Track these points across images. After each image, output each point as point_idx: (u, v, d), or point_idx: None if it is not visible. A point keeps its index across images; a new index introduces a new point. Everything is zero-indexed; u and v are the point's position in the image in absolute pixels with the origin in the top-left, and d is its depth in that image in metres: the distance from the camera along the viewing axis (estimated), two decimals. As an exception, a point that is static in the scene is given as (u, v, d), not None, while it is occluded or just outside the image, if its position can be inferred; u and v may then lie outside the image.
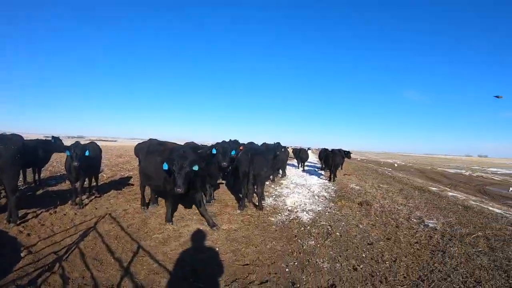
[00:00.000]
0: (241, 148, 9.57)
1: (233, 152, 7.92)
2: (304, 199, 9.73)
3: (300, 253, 5.17)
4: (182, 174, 5.42)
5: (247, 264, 4.73)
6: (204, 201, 7.94)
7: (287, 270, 4.57)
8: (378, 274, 4.47)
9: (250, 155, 7.55)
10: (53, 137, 9.80)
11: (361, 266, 4.71)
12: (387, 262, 4.86)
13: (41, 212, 6.79)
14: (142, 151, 7.50)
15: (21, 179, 9.37)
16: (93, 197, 8.59)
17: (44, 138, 9.99)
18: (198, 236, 5.90)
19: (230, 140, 11.70)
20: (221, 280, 4.30)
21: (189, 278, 4.30)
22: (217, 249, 5.31)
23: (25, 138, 7.15)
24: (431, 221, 7.37)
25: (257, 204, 8.00)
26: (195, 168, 5.64)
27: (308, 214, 7.69)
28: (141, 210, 7.41)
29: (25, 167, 9.01)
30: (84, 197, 8.13)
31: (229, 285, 4.16)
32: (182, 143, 8.40)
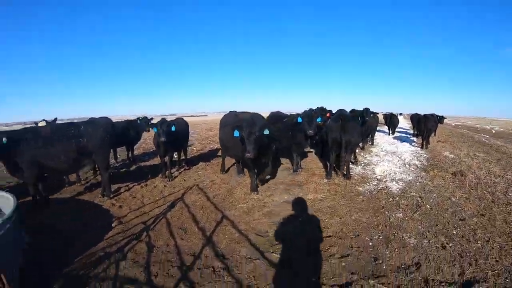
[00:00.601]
0: (328, 115, 9.82)
1: (319, 120, 8.10)
2: (394, 167, 9.85)
3: (386, 226, 5.30)
4: (251, 140, 6.01)
5: (330, 236, 4.99)
6: (292, 170, 8.59)
7: (370, 244, 4.72)
8: (467, 255, 4.35)
9: (341, 122, 7.90)
10: (138, 118, 11.30)
11: (450, 245, 4.64)
12: (479, 242, 4.69)
13: (133, 186, 8.04)
14: (220, 123, 8.42)
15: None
16: (182, 169, 9.77)
17: (133, 119, 11.66)
18: (282, 207, 6.30)
19: (316, 108, 11.92)
20: (301, 251, 4.52)
21: (269, 249, 4.64)
22: (300, 219, 5.64)
23: (120, 120, 8.47)
24: (532, 197, 6.81)
25: (345, 173, 8.41)
26: (266, 132, 6.17)
27: (398, 184, 7.86)
28: (226, 179, 8.26)
29: (116, 146, 10.76)
30: (173, 170, 9.36)
31: (308, 257, 4.38)
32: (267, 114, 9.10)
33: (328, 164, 8.53)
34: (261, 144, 6.24)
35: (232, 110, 9.04)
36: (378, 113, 18.81)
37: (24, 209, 5.99)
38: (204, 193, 7.24)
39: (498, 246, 4.51)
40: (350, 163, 9.26)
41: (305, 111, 8.05)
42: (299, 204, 6.35)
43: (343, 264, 4.20)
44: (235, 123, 6.83)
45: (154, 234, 5.26)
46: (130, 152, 11.39)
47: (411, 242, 4.70)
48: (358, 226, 5.29)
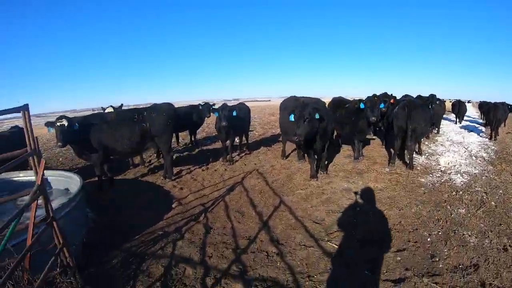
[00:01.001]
0: (392, 101, 9.27)
1: (381, 106, 7.80)
2: (459, 159, 9.13)
3: (446, 222, 4.96)
4: (300, 123, 5.95)
5: (387, 228, 4.78)
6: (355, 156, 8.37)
7: (429, 240, 4.46)
8: None
9: (408, 108, 7.60)
10: (200, 104, 11.50)
11: None
12: None
13: (195, 169, 8.28)
14: (280, 107, 8.45)
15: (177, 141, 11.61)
16: (243, 154, 9.90)
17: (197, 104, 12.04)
18: (340, 194, 6.11)
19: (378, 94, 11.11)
20: (356, 242, 4.35)
21: (324, 237, 4.51)
22: (358, 208, 5.44)
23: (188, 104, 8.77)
24: None
25: (408, 162, 7.98)
26: (317, 116, 6.03)
27: (462, 177, 7.30)
28: (287, 165, 8.23)
29: (179, 130, 11.23)
30: (234, 154, 9.47)
31: (363, 248, 4.19)
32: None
33: (392, 152, 8.31)
34: (312, 128, 6.12)
35: (293, 94, 8.91)
36: (445, 100, 17.84)
37: (90, 189, 6.46)
38: (263, 178, 7.23)
39: None
40: (415, 153, 8.89)
41: (368, 97, 7.69)
42: (358, 193, 6.14)
43: (398, 258, 3.97)
44: (293, 107, 6.74)
45: (212, 216, 5.36)
46: (193, 136, 11.79)
47: (471, 241, 4.35)
48: (417, 220, 5.02)
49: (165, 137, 7.17)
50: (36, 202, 2.86)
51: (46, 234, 3.07)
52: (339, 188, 6.42)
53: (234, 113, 8.06)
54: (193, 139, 11.84)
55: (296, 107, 6.27)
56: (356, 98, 8.73)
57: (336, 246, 4.26)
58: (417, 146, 9.41)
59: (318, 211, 5.36)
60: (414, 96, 11.78)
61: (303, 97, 8.06)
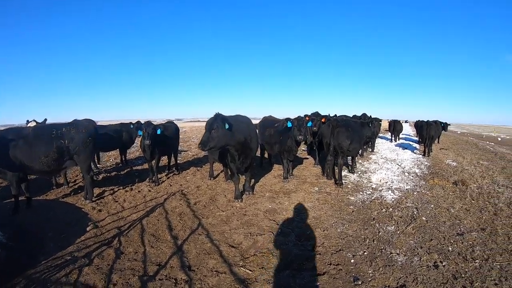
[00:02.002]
0: (323, 120, 9.78)
1: (309, 124, 8.10)
2: (392, 175, 9.61)
3: (373, 241, 4.95)
4: (207, 132, 5.90)
5: (308, 250, 4.67)
6: (284, 176, 8.45)
7: (352, 261, 4.37)
8: (462, 276, 3.94)
9: (331, 126, 8.19)
10: (131, 123, 11.15)
11: (443, 263, 4.22)
12: (476, 261, 4.28)
13: (118, 190, 7.90)
14: (205, 127, 8.23)
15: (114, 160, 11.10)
16: (171, 174, 9.67)
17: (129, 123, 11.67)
18: (263, 216, 6.05)
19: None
20: (272, 267, 4.25)
21: (238, 262, 4.40)
22: (279, 230, 5.35)
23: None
24: (538, 209, 6.38)
25: (336, 178, 8.40)
26: (226, 126, 5.94)
27: (394, 194, 7.55)
28: (213, 185, 8.17)
29: (108, 149, 10.91)
30: (162, 174, 9.27)
31: (279, 273, 4.10)
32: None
33: (324, 169, 8.91)
34: (220, 140, 5.99)
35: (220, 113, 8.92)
36: (381, 120, 19.24)
37: (5, 209, 6.18)
38: (186, 199, 7.06)
39: (498, 266, 4.12)
40: (347, 170, 9.62)
41: (297, 117, 7.92)
42: (281, 214, 6.13)
43: (317, 284, 3.89)
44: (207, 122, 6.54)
45: (126, 240, 5.09)
46: (123, 155, 11.35)
47: (399, 260, 4.35)
48: (342, 240, 4.97)
49: (84, 156, 6.79)
50: None
51: None
52: (262, 209, 6.37)
53: (159, 131, 7.88)
54: (123, 158, 11.39)
55: (209, 121, 6.08)
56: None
57: (250, 272, 4.13)
58: (352, 164, 10.07)
59: (236, 234, 5.24)
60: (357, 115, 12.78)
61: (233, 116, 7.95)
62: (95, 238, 5.18)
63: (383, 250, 4.60)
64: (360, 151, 12.58)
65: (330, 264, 4.29)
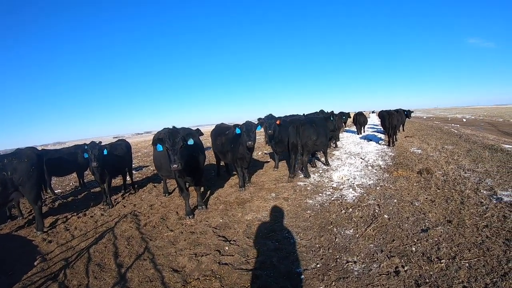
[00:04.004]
0: (278, 122, 9.78)
1: (258, 128, 7.97)
2: (354, 171, 9.54)
3: (329, 249, 4.73)
4: (177, 150, 5.82)
5: (254, 269, 4.44)
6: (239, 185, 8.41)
7: (302, 277, 4.09)
8: (427, 281, 3.66)
9: (295, 126, 8.48)
10: (85, 144, 11.07)
11: (405, 268, 3.96)
12: (442, 261, 4.02)
13: (72, 217, 7.81)
14: (153, 142, 8.25)
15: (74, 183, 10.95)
16: (127, 194, 9.61)
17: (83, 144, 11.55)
18: (211, 233, 5.97)
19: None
20: None
21: None
22: (226, 248, 5.23)
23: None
24: (506, 193, 6.26)
25: (303, 174, 9.07)
26: (190, 142, 6.05)
27: (355, 191, 7.39)
28: (167, 202, 8.15)
29: (63, 173, 10.67)
30: (119, 195, 9.23)
31: None
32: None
33: (289, 168, 9.44)
34: (187, 155, 6.06)
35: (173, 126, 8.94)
36: (349, 113, 19.64)
37: None
38: (137, 221, 7.01)
39: (467, 265, 3.85)
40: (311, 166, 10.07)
41: (245, 122, 7.91)
42: (232, 228, 6.03)
43: None
44: (160, 137, 6.47)
45: (71, 272, 5.05)
46: (80, 178, 11.19)
47: (355, 269, 4.07)
48: (293, 253, 4.72)
49: (29, 186, 6.68)
50: None
51: None
52: (213, 225, 6.25)
53: (105, 152, 7.79)
54: (81, 181, 11.23)
55: (165, 136, 5.95)
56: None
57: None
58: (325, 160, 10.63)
59: (181, 256, 5.11)
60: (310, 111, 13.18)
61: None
62: (41, 273, 5.12)
63: (338, 260, 4.36)
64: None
65: (277, 283, 4.02)
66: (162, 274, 4.72)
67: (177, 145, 5.82)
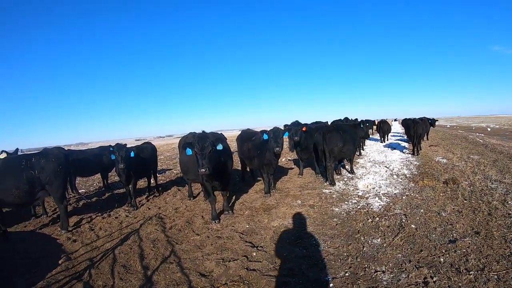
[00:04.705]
0: (303, 129, 9.79)
1: (285, 134, 7.96)
2: (380, 180, 9.37)
3: (357, 258, 4.62)
4: (205, 154, 5.80)
5: (282, 276, 4.35)
6: (265, 191, 8.30)
7: (331, 285, 4.01)
8: None
9: (322, 133, 8.64)
10: (110, 146, 11.23)
11: (434, 279, 3.85)
12: (471, 272, 3.90)
13: (96, 217, 7.84)
14: (179, 146, 8.48)
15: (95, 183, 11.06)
16: (151, 196, 9.59)
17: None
18: (238, 238, 5.87)
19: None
20: None
21: None
22: (253, 254, 5.12)
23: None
24: (534, 205, 6.00)
25: (330, 180, 8.98)
26: (219, 147, 6.02)
27: (381, 200, 7.27)
28: (192, 206, 8.11)
29: (88, 174, 10.94)
30: (143, 197, 9.26)
31: None
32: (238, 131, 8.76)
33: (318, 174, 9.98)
34: (216, 160, 6.01)
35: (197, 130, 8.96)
36: (374, 121, 19.46)
37: None
38: (162, 224, 6.95)
39: (496, 277, 3.76)
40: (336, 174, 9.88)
41: (273, 128, 7.85)
42: (259, 234, 5.92)
43: None
44: (189, 141, 6.54)
45: (96, 272, 4.99)
46: (104, 179, 11.26)
47: (384, 278, 3.99)
48: (321, 262, 4.61)
49: (56, 185, 6.74)
50: None
51: None
52: (239, 230, 6.15)
53: (132, 154, 7.83)
54: (105, 182, 11.30)
55: (194, 140, 5.97)
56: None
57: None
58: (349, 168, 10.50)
59: (208, 261, 4.98)
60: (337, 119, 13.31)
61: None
62: (66, 272, 5.08)
63: (366, 269, 4.27)
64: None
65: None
66: (189, 278, 4.62)
67: (206, 149, 5.82)
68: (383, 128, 20.84)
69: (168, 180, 12.27)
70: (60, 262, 5.47)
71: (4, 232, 6.59)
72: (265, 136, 7.67)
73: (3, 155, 8.26)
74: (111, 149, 8.95)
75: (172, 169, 15.14)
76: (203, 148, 5.79)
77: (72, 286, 4.64)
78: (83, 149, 11.58)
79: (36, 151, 7.14)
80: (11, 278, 4.91)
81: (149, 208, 8.39)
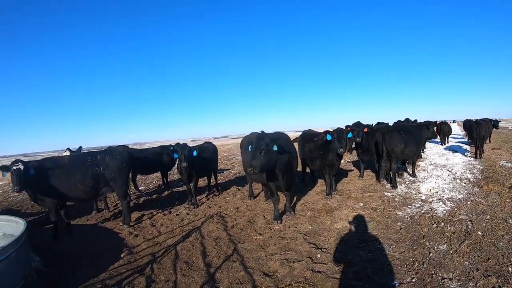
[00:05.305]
0: (365, 130, 9.65)
1: (349, 135, 7.78)
2: (442, 183, 8.93)
3: (423, 264, 4.45)
4: (256, 154, 5.73)
5: (348, 279, 4.20)
6: (326, 192, 8.12)
7: None
8: None
9: (383, 133, 8.51)
10: (170, 145, 11.40)
11: None
12: None
13: (157, 214, 7.95)
14: (241, 145, 8.46)
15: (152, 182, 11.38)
16: (211, 195, 9.62)
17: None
18: (301, 239, 5.69)
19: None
20: None
21: None
22: (318, 255, 4.93)
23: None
24: None
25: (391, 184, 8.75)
26: (274, 148, 5.85)
27: (445, 205, 6.95)
28: (253, 206, 8.02)
29: (148, 172, 11.30)
30: (202, 196, 9.30)
31: None
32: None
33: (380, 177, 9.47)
34: (269, 161, 5.86)
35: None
36: (436, 122, 18.50)
37: (46, 235, 6.59)
38: (223, 222, 6.89)
39: None
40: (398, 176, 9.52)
41: (337, 128, 7.63)
42: (322, 236, 5.73)
43: None
44: (250, 141, 6.54)
45: (158, 267, 4.99)
46: (164, 177, 11.50)
47: (451, 286, 3.82)
48: (387, 265, 4.47)
49: (119, 182, 6.93)
50: None
51: None
52: (302, 231, 5.99)
53: (195, 153, 7.88)
54: (165, 180, 11.54)
55: (253, 140, 6.03)
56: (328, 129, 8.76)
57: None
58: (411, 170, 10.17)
59: (272, 261, 4.89)
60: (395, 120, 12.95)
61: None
62: (128, 265, 5.13)
63: (433, 275, 4.11)
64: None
65: (373, 296, 3.82)
66: (253, 277, 4.48)
67: (257, 150, 5.75)
68: (444, 129, 19.75)
69: (227, 180, 12.32)
70: (122, 255, 5.55)
71: (67, 224, 6.88)
72: (329, 137, 7.49)
73: (67, 153, 8.65)
74: (171, 148, 9.02)
75: (230, 169, 15.22)
76: (255, 148, 5.77)
77: (134, 279, 4.65)
78: (144, 148, 11.90)
79: (99, 150, 7.40)
80: (74, 270, 5.02)
81: (209, 207, 8.41)
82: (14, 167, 5.79)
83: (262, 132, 6.37)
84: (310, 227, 6.21)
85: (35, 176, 6.02)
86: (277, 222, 6.55)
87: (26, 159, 6.65)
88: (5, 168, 5.98)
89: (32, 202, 6.92)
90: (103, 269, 5.01)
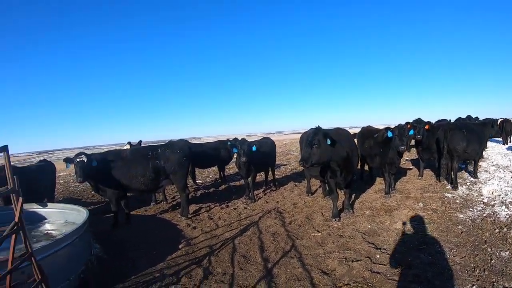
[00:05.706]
0: (426, 127, 9.24)
1: (411, 133, 7.52)
2: (505, 186, 8.31)
3: (484, 271, 4.19)
4: (307, 148, 5.68)
5: (407, 281, 4.03)
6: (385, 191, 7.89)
7: None
8: None
9: (445, 130, 8.27)
10: (228, 140, 11.54)
11: None
12: None
13: (214, 207, 8.12)
14: (300, 141, 8.31)
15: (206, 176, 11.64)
16: (268, 191, 9.63)
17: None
18: (360, 238, 5.52)
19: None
20: None
21: None
22: (377, 256, 4.77)
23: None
24: None
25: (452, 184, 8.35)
26: (328, 142, 5.71)
27: (508, 209, 6.49)
28: (311, 202, 7.93)
29: (206, 166, 11.54)
30: (259, 191, 9.33)
31: None
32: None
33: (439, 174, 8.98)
34: (321, 155, 5.73)
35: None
36: (497, 120, 17.24)
37: (106, 224, 6.86)
38: (281, 218, 6.86)
39: None
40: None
41: (398, 125, 7.38)
42: (381, 236, 5.55)
43: None
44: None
45: (216, 260, 5.07)
46: (221, 172, 11.70)
47: None
48: (447, 270, 4.28)
49: (179, 175, 7.15)
50: (15, 236, 2.85)
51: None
52: (361, 230, 5.85)
53: (254, 148, 7.93)
54: (222, 175, 11.76)
55: (308, 134, 5.94)
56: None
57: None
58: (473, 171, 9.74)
59: (330, 259, 4.81)
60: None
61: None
62: (185, 256, 5.27)
63: (494, 284, 3.89)
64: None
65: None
66: (311, 275, 4.40)
67: (310, 144, 5.65)
68: (506, 128, 18.31)
69: (283, 175, 12.30)
70: (180, 246, 5.71)
71: (127, 214, 7.21)
72: (390, 134, 7.25)
73: (127, 146, 9.06)
74: (228, 143, 9.13)
75: (286, 164, 15.20)
76: (308, 142, 5.70)
77: (192, 270, 4.75)
78: (203, 142, 12.18)
79: (158, 144, 7.66)
80: (134, 259, 5.22)
81: (267, 202, 8.42)
82: (78, 159, 6.19)
83: (318, 127, 6.23)
84: (369, 226, 6.04)
85: (97, 168, 6.37)
86: (335, 220, 6.42)
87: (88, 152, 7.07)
88: (69, 160, 6.41)
89: (94, 192, 7.30)
90: (161, 259, 5.18)
